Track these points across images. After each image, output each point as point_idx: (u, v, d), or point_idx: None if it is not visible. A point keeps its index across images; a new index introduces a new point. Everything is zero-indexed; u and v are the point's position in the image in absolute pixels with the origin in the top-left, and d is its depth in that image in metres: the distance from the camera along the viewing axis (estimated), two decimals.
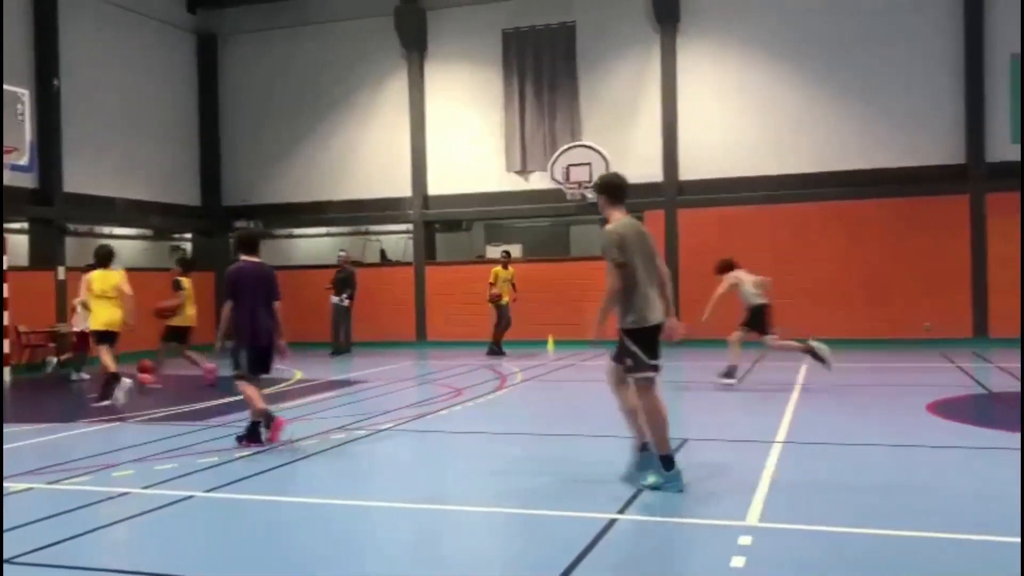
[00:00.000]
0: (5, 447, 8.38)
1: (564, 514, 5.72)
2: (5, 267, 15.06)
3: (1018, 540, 4.84)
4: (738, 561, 4.65)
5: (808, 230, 17.79)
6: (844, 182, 17.74)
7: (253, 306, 8.11)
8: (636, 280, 6.15)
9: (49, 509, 5.97)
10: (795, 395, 10.90)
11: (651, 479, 6.19)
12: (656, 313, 6.21)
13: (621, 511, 5.65)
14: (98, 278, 11.41)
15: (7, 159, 13.00)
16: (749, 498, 5.87)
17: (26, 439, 8.83)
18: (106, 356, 11.32)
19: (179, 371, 13.68)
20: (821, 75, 18.03)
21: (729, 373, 11.86)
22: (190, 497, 6.26)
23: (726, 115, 18.58)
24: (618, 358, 6.32)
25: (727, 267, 12.38)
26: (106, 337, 11.43)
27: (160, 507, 6.01)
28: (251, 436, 8.11)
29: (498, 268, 17.56)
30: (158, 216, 20.61)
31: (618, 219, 6.42)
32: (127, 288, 11.41)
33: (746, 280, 12.11)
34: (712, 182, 18.54)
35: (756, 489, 6.11)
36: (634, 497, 5.99)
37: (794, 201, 17.92)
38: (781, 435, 8.21)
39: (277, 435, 8.06)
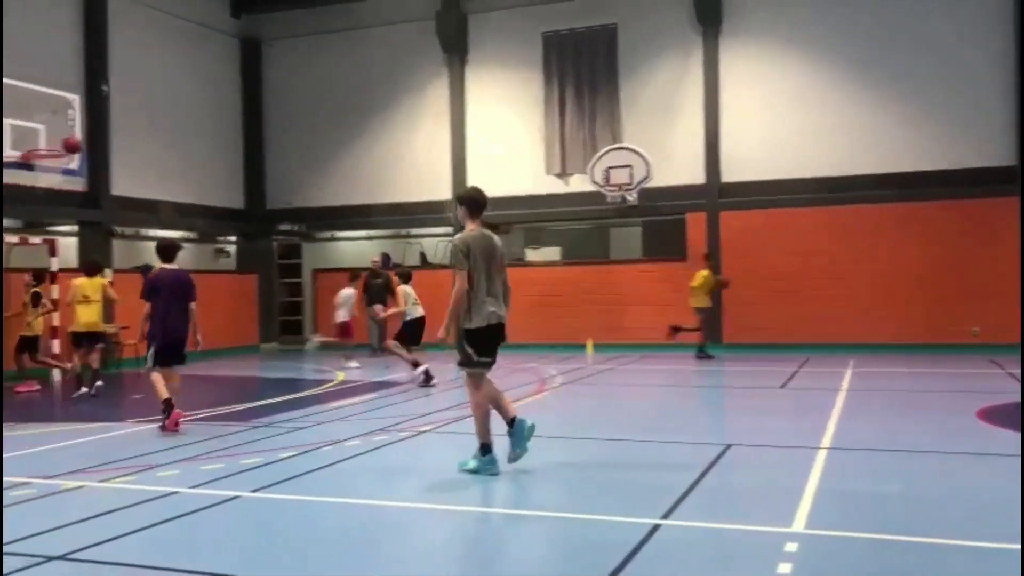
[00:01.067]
0: (57, 446, 8.57)
1: (606, 519, 5.69)
2: (55, 269, 15.40)
3: None
4: (784, 567, 4.60)
5: (853, 233, 17.54)
6: (890, 184, 17.45)
7: (166, 308, 9.18)
8: (475, 286, 6.80)
9: (99, 508, 6.08)
10: (840, 400, 10.75)
11: (471, 464, 6.91)
12: (492, 317, 6.85)
13: (665, 516, 5.61)
14: (85, 284, 12.62)
15: (58, 163, 13.30)
16: (795, 504, 5.80)
17: (76, 438, 9.00)
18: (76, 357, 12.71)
19: (216, 372, 13.82)
20: (866, 75, 17.77)
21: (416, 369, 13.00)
22: (236, 497, 6.34)
23: (770, 116, 18.39)
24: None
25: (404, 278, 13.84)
26: (85, 338, 12.58)
27: (207, 507, 6.08)
28: (166, 416, 9.03)
29: (706, 272, 16.70)
30: (202, 219, 20.90)
31: (471, 230, 6.98)
32: (112, 293, 13.04)
33: (411, 294, 13.60)
34: (755, 184, 18.36)
35: (802, 495, 6.04)
36: (679, 502, 5.95)
37: (839, 204, 17.67)
38: (827, 441, 8.10)
39: (173, 427, 8.94)
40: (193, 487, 6.64)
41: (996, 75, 16.97)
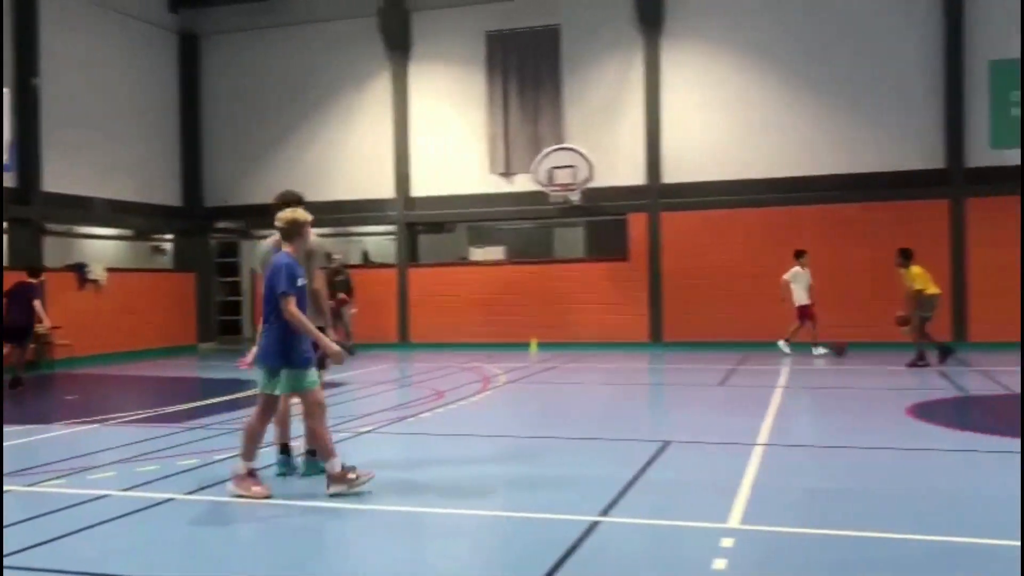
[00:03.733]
0: None
1: (546, 516, 5.72)
2: None
3: (1000, 542, 4.90)
4: (720, 563, 4.67)
5: (790, 234, 17.81)
6: (827, 186, 17.83)
7: (16, 306, 12.43)
8: None
9: (27, 511, 5.90)
10: (776, 397, 10.95)
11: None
12: None
13: (604, 513, 5.66)
14: None
15: None
16: (731, 500, 5.89)
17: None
18: None
19: (153, 372, 13.57)
20: (803, 78, 18.13)
21: None
22: (170, 500, 6.22)
23: (710, 118, 18.65)
24: None
25: None
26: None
27: (140, 509, 5.95)
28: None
29: None
30: (138, 216, 20.43)
31: None
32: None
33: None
34: (695, 185, 18.60)
35: (738, 491, 6.14)
36: (617, 499, 6.00)
37: (777, 205, 18.00)
38: (762, 437, 8.24)
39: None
40: (126, 489, 6.49)
41: (927, 79, 17.38)
